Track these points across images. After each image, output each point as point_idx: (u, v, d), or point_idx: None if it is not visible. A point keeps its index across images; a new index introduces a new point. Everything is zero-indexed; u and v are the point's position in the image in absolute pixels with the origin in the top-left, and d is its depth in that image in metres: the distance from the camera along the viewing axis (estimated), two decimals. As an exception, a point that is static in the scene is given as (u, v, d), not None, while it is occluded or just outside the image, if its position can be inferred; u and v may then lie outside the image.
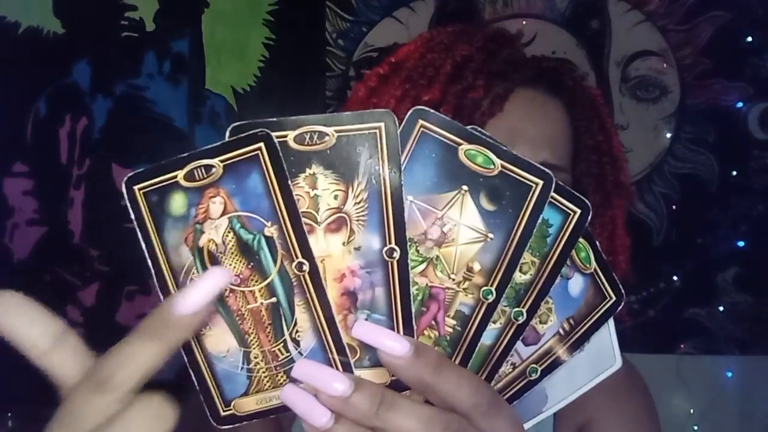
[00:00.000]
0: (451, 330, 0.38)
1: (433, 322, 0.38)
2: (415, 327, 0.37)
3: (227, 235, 0.37)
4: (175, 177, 0.37)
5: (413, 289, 0.38)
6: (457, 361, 0.38)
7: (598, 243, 0.43)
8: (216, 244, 0.37)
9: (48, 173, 1.78)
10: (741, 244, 1.76)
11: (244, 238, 0.37)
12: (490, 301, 0.38)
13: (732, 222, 1.77)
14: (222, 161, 0.36)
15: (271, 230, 0.36)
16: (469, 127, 0.39)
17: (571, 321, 0.41)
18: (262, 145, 0.36)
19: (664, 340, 1.77)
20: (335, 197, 0.37)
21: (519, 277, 0.39)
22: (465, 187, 0.38)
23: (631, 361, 0.81)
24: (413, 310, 0.37)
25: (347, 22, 1.89)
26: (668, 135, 1.80)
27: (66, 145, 1.79)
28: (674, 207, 1.79)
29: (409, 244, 0.37)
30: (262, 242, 0.37)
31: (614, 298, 0.41)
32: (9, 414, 1.57)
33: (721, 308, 1.76)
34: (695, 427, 1.70)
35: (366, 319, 0.37)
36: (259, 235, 0.37)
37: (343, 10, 1.89)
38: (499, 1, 1.85)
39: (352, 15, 1.89)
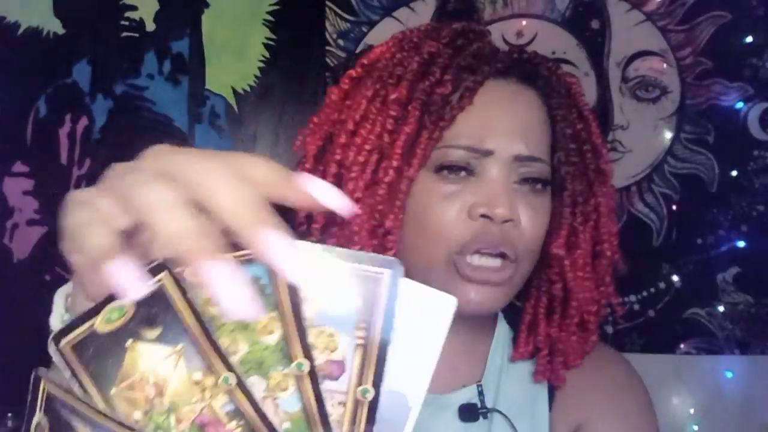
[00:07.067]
0: (240, 429, 0.35)
1: None
2: None
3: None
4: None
5: None
6: None
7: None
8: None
9: (48, 173, 1.78)
10: (741, 244, 1.76)
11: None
12: (231, 385, 0.35)
13: (732, 222, 1.76)
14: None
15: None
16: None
17: (361, 324, 0.36)
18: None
19: (664, 340, 1.77)
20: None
21: (267, 339, 0.36)
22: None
23: (629, 361, 0.81)
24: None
25: (347, 22, 1.89)
26: (668, 135, 1.80)
27: (66, 145, 1.78)
28: (674, 207, 1.79)
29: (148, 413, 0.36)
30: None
31: (387, 270, 0.35)
32: (9, 414, 1.57)
33: (721, 308, 1.76)
34: (695, 428, 1.70)
35: None
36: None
37: (343, 10, 1.89)
38: (499, 1, 1.85)
39: (352, 15, 1.89)
